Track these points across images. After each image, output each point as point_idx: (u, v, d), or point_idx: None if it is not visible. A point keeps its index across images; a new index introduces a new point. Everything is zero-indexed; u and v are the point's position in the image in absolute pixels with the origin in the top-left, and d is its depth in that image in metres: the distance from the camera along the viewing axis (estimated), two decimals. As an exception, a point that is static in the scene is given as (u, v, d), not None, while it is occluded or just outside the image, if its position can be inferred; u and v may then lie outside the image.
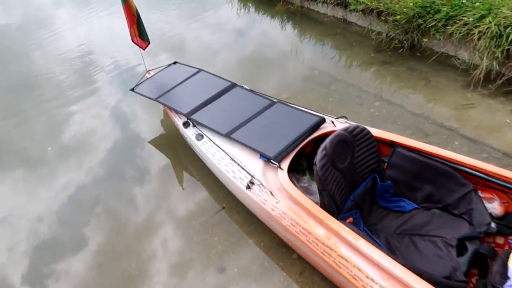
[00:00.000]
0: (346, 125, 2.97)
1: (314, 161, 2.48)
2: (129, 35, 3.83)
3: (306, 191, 2.93)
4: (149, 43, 3.97)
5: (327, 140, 2.54)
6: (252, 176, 2.74)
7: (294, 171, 3.15)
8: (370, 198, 2.81)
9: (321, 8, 6.35)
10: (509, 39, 3.65)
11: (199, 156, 3.42)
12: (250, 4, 7.72)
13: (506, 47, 3.70)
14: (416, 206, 2.71)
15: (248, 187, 2.72)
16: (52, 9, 9.51)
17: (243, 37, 6.44)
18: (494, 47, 3.77)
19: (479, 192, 2.48)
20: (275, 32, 6.40)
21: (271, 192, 2.61)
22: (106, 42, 7.04)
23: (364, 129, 2.69)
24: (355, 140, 2.67)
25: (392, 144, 2.79)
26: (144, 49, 4.00)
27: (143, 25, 3.77)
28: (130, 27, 3.71)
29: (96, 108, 5.07)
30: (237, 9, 7.63)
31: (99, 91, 5.48)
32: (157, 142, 4.24)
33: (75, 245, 3.26)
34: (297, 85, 4.72)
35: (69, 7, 9.54)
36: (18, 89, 5.91)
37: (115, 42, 6.82)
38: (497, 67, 3.85)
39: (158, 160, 3.98)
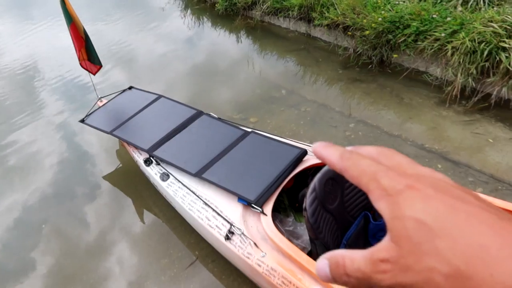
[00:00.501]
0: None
1: (304, 206, 2.16)
2: (77, 59, 3.33)
3: (292, 235, 2.59)
4: (100, 66, 3.49)
5: (316, 180, 2.22)
6: (231, 224, 2.36)
7: (275, 211, 2.81)
8: (363, 238, 2.53)
9: (283, 23, 6.10)
10: (484, 55, 3.55)
11: (165, 198, 2.99)
12: (205, 18, 7.34)
13: (481, 64, 3.59)
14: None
15: (227, 238, 2.34)
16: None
17: (199, 55, 6.04)
18: (469, 63, 3.66)
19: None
20: (235, 49, 6.07)
21: (255, 243, 2.25)
22: (53, 57, 6.39)
23: (353, 163, 2.41)
24: (344, 176, 2.38)
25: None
26: (94, 74, 3.51)
27: (93, 47, 3.28)
28: (78, 50, 3.22)
29: (42, 137, 4.46)
30: (190, 23, 7.18)
31: (46, 113, 4.87)
32: (113, 178, 3.74)
33: (21, 271, 2.91)
34: (265, 107, 4.39)
35: (9, 20, 8.68)
36: None
37: (62, 56, 6.19)
38: (473, 84, 3.75)
39: (116, 199, 3.48)
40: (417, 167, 0.33)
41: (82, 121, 3.40)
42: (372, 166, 0.33)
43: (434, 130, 3.70)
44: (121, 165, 3.90)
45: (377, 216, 2.56)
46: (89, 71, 3.45)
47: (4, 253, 3.09)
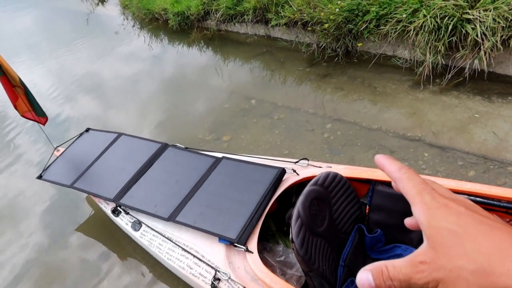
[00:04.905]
0: (311, 172, 2.48)
1: (290, 238, 1.94)
2: (17, 111, 3.02)
3: (285, 265, 2.37)
4: (47, 118, 3.20)
5: (299, 205, 2.00)
6: (215, 270, 2.13)
7: (263, 239, 2.58)
8: (361, 253, 2.33)
9: (240, 28, 5.87)
10: (449, 30, 3.39)
11: (143, 247, 2.73)
12: (162, 35, 7.06)
13: (448, 39, 3.43)
14: (414, 250, 2.26)
15: (213, 286, 2.10)
16: None
17: (161, 74, 5.76)
18: (435, 40, 3.50)
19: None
20: (196, 62, 5.81)
21: (244, 288, 2.02)
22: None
23: (336, 175, 2.21)
24: (329, 192, 2.18)
25: (369, 181, 2.35)
26: (44, 124, 3.23)
27: (34, 98, 2.99)
28: (15, 101, 2.91)
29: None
30: (148, 44, 6.88)
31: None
32: (87, 229, 3.46)
33: None
34: (237, 121, 4.15)
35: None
36: None
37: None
38: (443, 61, 3.59)
39: (93, 252, 3.21)
40: (452, 194, 0.43)
41: (40, 177, 3.11)
42: (421, 184, 0.42)
43: (413, 115, 3.53)
44: (93, 211, 3.62)
45: (371, 226, 2.38)
46: (37, 122, 3.15)
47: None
